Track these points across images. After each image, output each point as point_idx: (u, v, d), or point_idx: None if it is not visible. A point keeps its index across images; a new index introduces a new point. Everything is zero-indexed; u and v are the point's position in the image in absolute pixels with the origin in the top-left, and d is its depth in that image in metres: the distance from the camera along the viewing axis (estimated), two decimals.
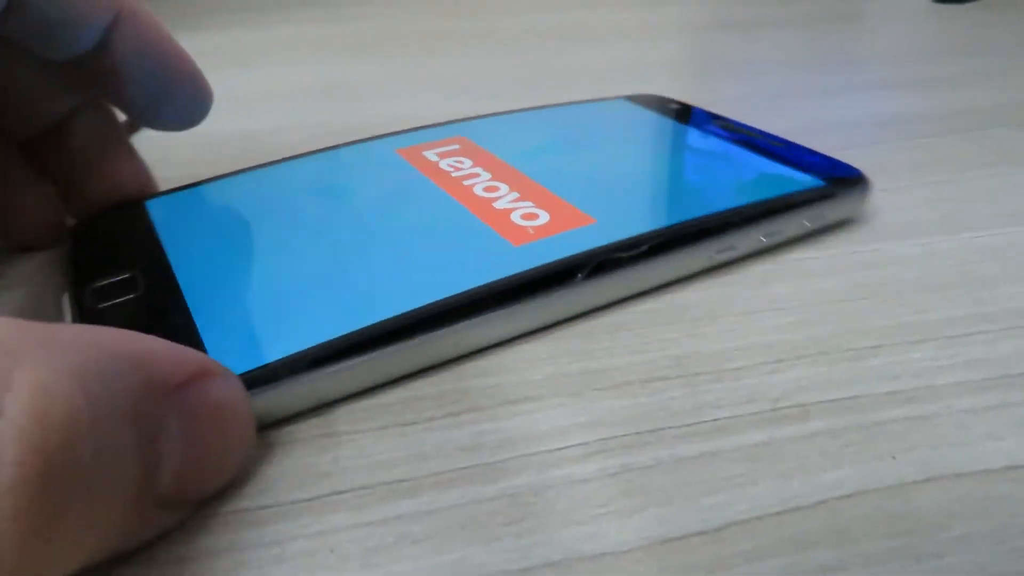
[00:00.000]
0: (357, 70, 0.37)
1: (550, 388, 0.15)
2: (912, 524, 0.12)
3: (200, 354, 0.12)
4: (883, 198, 0.23)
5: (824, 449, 0.13)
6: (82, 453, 0.09)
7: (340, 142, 0.23)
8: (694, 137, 0.24)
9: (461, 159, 0.22)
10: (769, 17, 0.50)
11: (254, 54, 0.40)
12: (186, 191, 0.20)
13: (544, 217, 0.18)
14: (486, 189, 0.20)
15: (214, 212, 0.19)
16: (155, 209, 0.19)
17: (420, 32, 0.46)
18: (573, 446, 0.14)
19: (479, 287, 0.15)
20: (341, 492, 0.13)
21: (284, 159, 0.22)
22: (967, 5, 0.52)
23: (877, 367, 0.16)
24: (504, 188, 0.20)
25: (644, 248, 0.17)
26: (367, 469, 0.13)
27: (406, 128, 0.24)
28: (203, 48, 0.42)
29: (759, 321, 0.17)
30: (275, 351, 0.14)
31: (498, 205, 0.19)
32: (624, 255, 0.17)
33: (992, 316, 0.17)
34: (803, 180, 0.20)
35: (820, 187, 0.20)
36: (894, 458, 0.13)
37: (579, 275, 0.16)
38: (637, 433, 0.14)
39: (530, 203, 0.19)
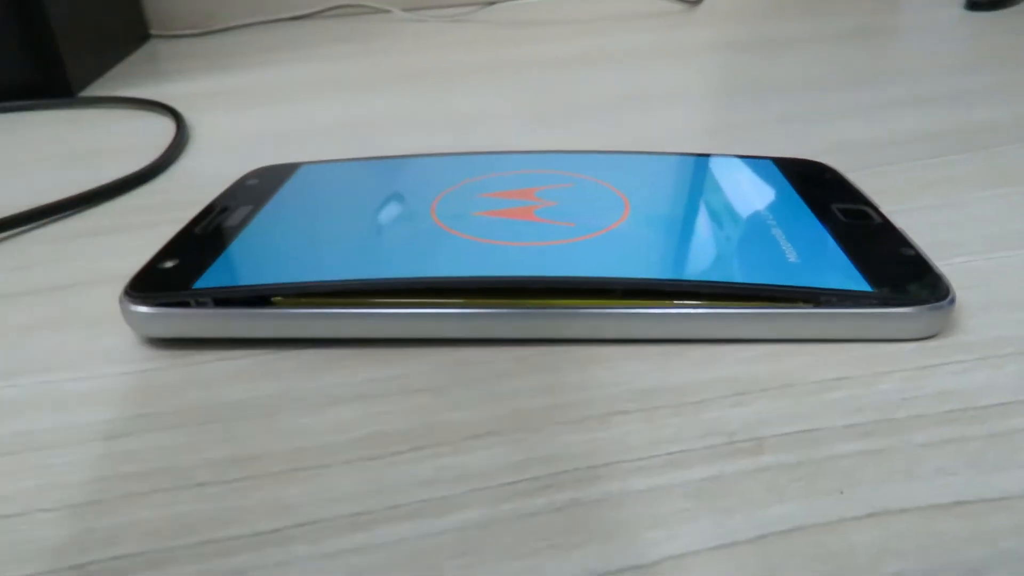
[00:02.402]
0: (383, 105, 0.39)
1: (512, 423, 0.16)
2: (845, 561, 0.12)
3: None
4: None
5: (772, 483, 0.14)
6: None
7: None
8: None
9: None
10: (799, 34, 0.50)
11: (280, 93, 0.42)
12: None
13: None
14: None
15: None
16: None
17: (440, 66, 0.47)
18: (525, 480, 0.14)
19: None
20: (302, 524, 0.13)
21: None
22: (1000, 12, 0.51)
23: (841, 400, 0.16)
24: None
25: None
26: (327, 503, 0.14)
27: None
28: (233, 87, 0.44)
29: (726, 355, 0.17)
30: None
31: None
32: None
33: (968, 345, 0.17)
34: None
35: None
36: (841, 493, 0.13)
37: None
38: (589, 467, 0.14)
39: None
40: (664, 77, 0.41)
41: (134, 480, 0.15)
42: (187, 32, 0.60)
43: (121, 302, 0.18)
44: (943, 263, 0.20)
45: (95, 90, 0.45)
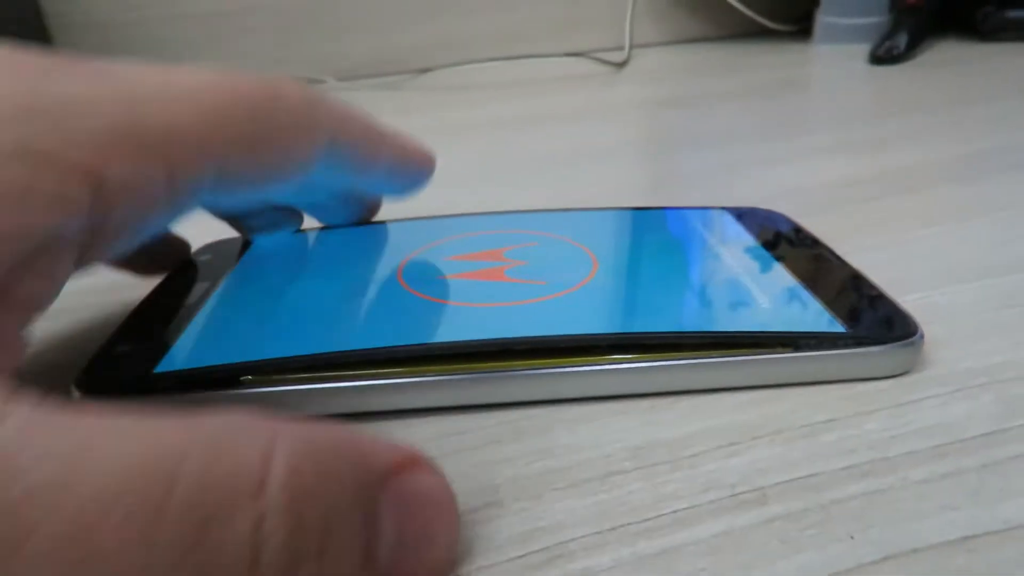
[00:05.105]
0: None
1: (510, 492, 0.15)
2: None
3: (408, 446, 0.13)
4: None
5: (784, 534, 0.14)
6: (320, 530, 0.10)
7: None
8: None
9: None
10: (720, 90, 0.52)
11: None
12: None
13: None
14: None
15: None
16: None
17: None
18: (535, 552, 0.13)
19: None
20: None
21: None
22: (901, 65, 0.55)
23: (833, 442, 0.16)
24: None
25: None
26: None
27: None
28: None
29: (711, 404, 0.17)
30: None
31: None
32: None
33: (941, 379, 0.18)
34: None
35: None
36: (852, 538, 0.13)
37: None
38: (597, 533, 0.14)
39: None
40: (604, 134, 0.43)
41: None
42: None
43: (72, 395, 0.17)
44: (900, 301, 0.21)
45: None
